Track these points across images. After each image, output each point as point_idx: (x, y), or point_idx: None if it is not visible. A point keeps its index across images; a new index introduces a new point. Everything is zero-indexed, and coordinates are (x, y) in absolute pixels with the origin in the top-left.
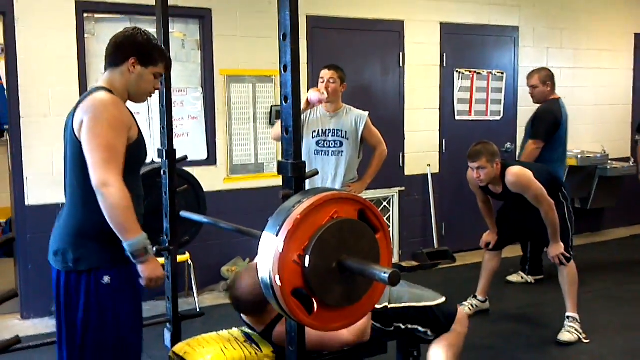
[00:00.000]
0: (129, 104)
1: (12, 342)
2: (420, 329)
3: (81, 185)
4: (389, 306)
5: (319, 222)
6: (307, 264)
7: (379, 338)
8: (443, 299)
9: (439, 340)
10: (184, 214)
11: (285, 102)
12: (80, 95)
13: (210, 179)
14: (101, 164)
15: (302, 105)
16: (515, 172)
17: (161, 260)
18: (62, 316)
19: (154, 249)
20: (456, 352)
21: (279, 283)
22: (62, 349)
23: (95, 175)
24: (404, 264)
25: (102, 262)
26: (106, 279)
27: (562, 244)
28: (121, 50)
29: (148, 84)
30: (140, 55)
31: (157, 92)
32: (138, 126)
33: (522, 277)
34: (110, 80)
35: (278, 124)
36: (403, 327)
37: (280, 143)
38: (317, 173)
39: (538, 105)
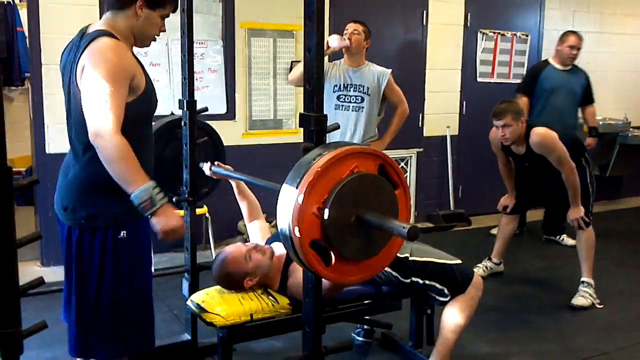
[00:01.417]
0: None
1: (36, 283)
2: (437, 286)
3: (87, 136)
4: (410, 258)
5: (339, 175)
6: (326, 216)
7: (393, 294)
8: (459, 261)
9: (455, 301)
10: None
11: (309, 53)
12: None
13: (229, 134)
14: (96, 115)
15: None
16: (540, 132)
17: (180, 212)
18: (74, 272)
19: (174, 199)
20: (470, 314)
21: (298, 235)
22: (73, 303)
23: (90, 127)
24: (419, 225)
25: (116, 218)
26: (122, 233)
27: (582, 207)
28: None
29: (155, 28)
30: None
31: (174, 41)
32: (146, 73)
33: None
34: (113, 23)
35: (298, 66)
36: (421, 282)
37: (298, 92)
38: (338, 127)
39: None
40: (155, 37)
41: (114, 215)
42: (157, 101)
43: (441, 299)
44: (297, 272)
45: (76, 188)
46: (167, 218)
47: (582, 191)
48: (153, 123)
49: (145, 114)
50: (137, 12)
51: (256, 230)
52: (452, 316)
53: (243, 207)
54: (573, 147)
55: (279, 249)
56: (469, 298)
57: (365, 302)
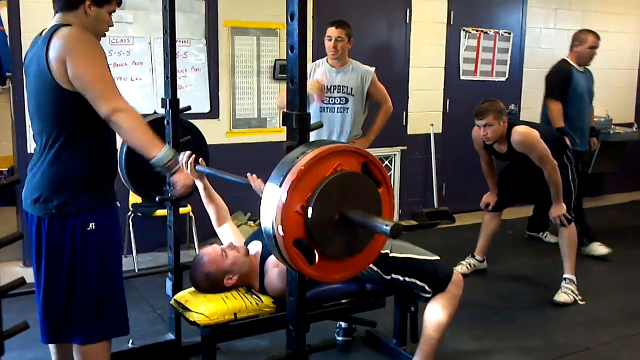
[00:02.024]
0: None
1: (17, 283)
2: (418, 282)
3: (59, 130)
4: (390, 254)
5: (323, 173)
6: (309, 214)
7: (377, 291)
8: (438, 257)
9: (436, 300)
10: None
11: (292, 52)
12: None
13: (213, 133)
14: (104, 94)
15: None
16: (521, 131)
17: (163, 211)
18: (44, 263)
19: (157, 198)
20: (452, 311)
21: (281, 233)
22: (44, 296)
23: (103, 107)
24: (403, 222)
25: (86, 207)
26: (91, 225)
27: (564, 205)
28: None
29: (104, 24)
30: None
31: (160, 40)
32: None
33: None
34: (65, 23)
35: (282, 91)
36: (401, 279)
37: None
38: (321, 125)
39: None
40: (105, 33)
41: (83, 202)
42: None
43: (424, 295)
44: (271, 271)
45: (46, 179)
46: (187, 176)
47: (564, 189)
48: None
49: None
50: (86, 11)
51: (228, 233)
52: (434, 314)
53: (211, 211)
54: (554, 145)
55: (253, 248)
56: (450, 296)
57: (349, 300)
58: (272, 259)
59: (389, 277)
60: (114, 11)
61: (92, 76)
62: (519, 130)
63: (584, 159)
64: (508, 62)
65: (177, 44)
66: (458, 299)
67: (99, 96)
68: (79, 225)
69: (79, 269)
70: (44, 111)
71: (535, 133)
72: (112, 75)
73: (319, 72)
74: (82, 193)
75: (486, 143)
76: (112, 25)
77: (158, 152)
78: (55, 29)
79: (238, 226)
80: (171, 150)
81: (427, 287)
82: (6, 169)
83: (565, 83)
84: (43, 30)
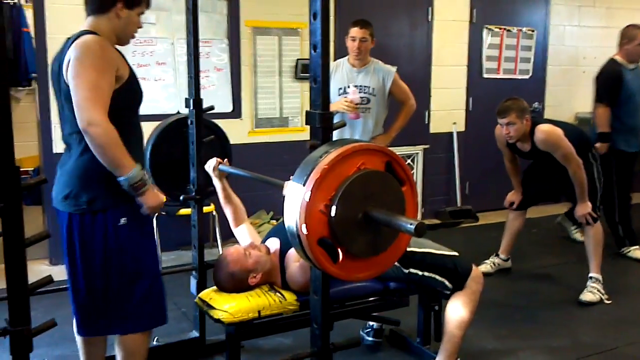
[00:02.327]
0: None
1: (45, 281)
2: (437, 277)
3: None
4: (409, 249)
5: (346, 172)
6: (333, 213)
7: (401, 290)
8: (457, 253)
9: (456, 297)
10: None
11: (315, 51)
12: None
13: (235, 132)
14: (84, 104)
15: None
16: (544, 130)
17: (187, 210)
18: (79, 258)
19: (181, 197)
20: (473, 308)
21: (305, 232)
22: (80, 290)
23: (80, 116)
24: (426, 222)
25: (115, 203)
26: (122, 220)
27: (589, 203)
28: None
29: (134, 26)
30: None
31: (184, 41)
32: (129, 66)
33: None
34: (95, 26)
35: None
36: (420, 273)
37: (304, 89)
38: (344, 124)
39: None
40: (135, 35)
41: (112, 198)
42: (142, 92)
43: (445, 291)
44: (292, 265)
45: (76, 175)
46: (155, 196)
47: (590, 187)
48: (159, 122)
49: (129, 102)
50: (117, 13)
51: (245, 234)
52: (456, 312)
53: (228, 211)
54: (579, 143)
55: (271, 245)
56: (470, 292)
57: (373, 298)
58: (291, 254)
59: (407, 271)
60: (143, 13)
61: (82, 83)
62: (542, 129)
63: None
64: (531, 60)
65: (200, 44)
66: (478, 295)
67: (80, 105)
68: (110, 221)
69: (114, 263)
70: (66, 113)
71: (559, 131)
72: (107, 90)
73: (338, 74)
74: (111, 189)
75: (509, 142)
76: (141, 27)
77: (126, 172)
78: (78, 36)
79: (260, 225)
80: (140, 172)
81: (447, 283)
82: (32, 168)
83: (616, 86)
84: (71, 36)
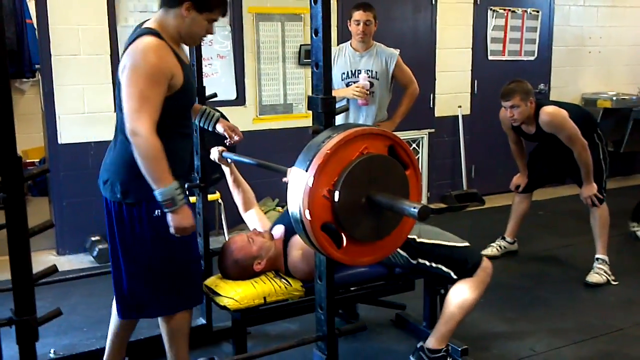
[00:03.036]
0: None
1: (50, 271)
2: (444, 269)
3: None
4: (417, 240)
5: (349, 157)
6: (336, 198)
7: (406, 275)
8: (468, 243)
9: (463, 281)
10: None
11: (316, 35)
12: (109, 34)
13: (239, 119)
14: (132, 113)
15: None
16: (549, 112)
17: (192, 198)
18: (118, 243)
19: (186, 185)
20: (477, 295)
21: (308, 217)
22: (120, 273)
23: (127, 124)
24: (432, 206)
25: (148, 196)
26: (157, 212)
27: (595, 184)
28: None
29: (201, 29)
30: (197, 0)
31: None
32: (185, 72)
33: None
34: (162, 21)
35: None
36: (428, 264)
37: (307, 76)
38: (347, 109)
39: None
40: (203, 38)
41: (144, 191)
42: (194, 98)
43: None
44: (294, 252)
45: (114, 163)
46: (183, 218)
47: (595, 168)
48: None
49: (178, 110)
50: (183, 13)
51: (254, 218)
52: (460, 294)
53: (237, 196)
54: (584, 124)
55: (277, 231)
56: (478, 281)
57: (378, 283)
58: (294, 241)
59: (415, 262)
60: (216, 20)
61: (132, 94)
62: (547, 111)
63: (614, 139)
64: (537, 41)
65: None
66: (485, 286)
67: (127, 114)
68: (145, 213)
69: (151, 251)
70: (118, 103)
71: (564, 113)
72: (157, 101)
73: (340, 58)
74: (143, 182)
75: (513, 125)
76: (212, 34)
77: (160, 187)
78: (139, 35)
79: (266, 212)
80: (173, 191)
81: (452, 274)
82: (38, 160)
83: None
84: (140, 24)
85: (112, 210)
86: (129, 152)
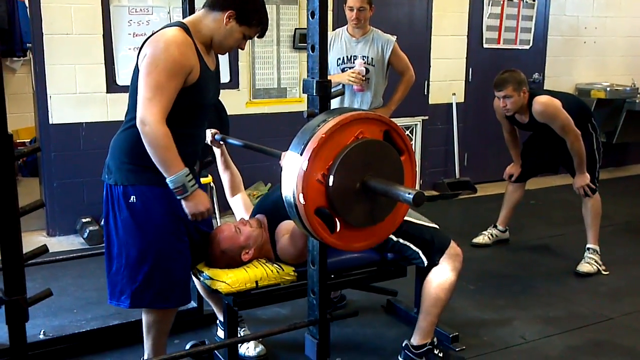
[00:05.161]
0: None
1: (40, 251)
2: (412, 247)
3: (134, 109)
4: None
5: (344, 141)
6: (331, 183)
7: (397, 261)
8: (437, 226)
9: (435, 272)
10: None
11: (312, 17)
12: (102, 13)
13: (233, 103)
14: (145, 102)
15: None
16: (542, 101)
17: (204, 179)
18: (104, 227)
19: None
20: (452, 285)
21: (302, 202)
22: (106, 259)
23: (138, 112)
24: (424, 193)
25: (129, 180)
26: (132, 198)
27: (588, 175)
28: None
29: (234, 41)
30: (241, 12)
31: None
32: (202, 73)
33: None
34: (199, 21)
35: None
36: (394, 239)
37: (302, 59)
38: (343, 93)
39: None
40: (232, 49)
41: (127, 175)
42: (207, 94)
43: (418, 264)
44: (282, 239)
45: (112, 147)
46: (197, 203)
47: (588, 158)
48: None
49: (190, 105)
50: (224, 20)
51: (240, 204)
52: (433, 287)
53: (225, 178)
54: (578, 114)
55: (263, 218)
56: (450, 269)
57: (370, 269)
58: (281, 227)
59: None
60: (251, 37)
61: (149, 83)
62: (540, 100)
63: (608, 129)
64: (532, 30)
65: (196, 12)
66: (458, 273)
67: (141, 102)
68: (122, 196)
69: (125, 237)
70: (131, 89)
71: (557, 102)
72: (172, 93)
73: (336, 44)
74: (127, 168)
75: (506, 115)
76: (243, 49)
77: (170, 175)
78: (168, 25)
79: (258, 197)
80: (183, 178)
81: (421, 254)
82: (29, 140)
83: None
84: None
85: (103, 191)
86: (121, 135)
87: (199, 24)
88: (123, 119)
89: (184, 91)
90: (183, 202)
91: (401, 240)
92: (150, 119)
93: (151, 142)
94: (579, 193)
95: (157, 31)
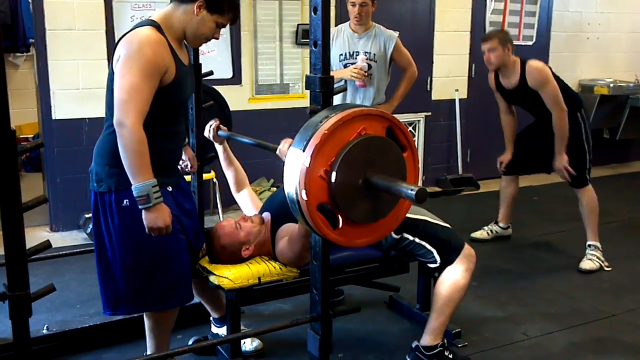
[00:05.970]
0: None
1: (43, 247)
2: (427, 246)
3: (112, 112)
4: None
5: (347, 137)
6: (333, 179)
7: (400, 257)
8: (449, 226)
9: (449, 272)
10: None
11: (315, 13)
12: (105, 8)
13: (235, 99)
14: (121, 105)
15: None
16: (537, 65)
17: (187, 177)
18: (94, 235)
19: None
20: (465, 286)
21: (304, 198)
22: (97, 266)
23: (115, 115)
24: (427, 189)
25: (118, 185)
26: (125, 202)
27: (566, 156)
28: None
29: (208, 31)
30: (211, 0)
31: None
32: (178, 71)
33: None
34: (169, 16)
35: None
36: (411, 238)
37: (305, 55)
38: (345, 89)
39: None
40: (207, 40)
41: (115, 181)
42: (185, 91)
43: (430, 264)
44: (280, 241)
45: (95, 153)
46: (157, 218)
47: (577, 147)
48: None
49: (163, 107)
50: (195, 10)
51: (246, 200)
52: (447, 287)
53: (229, 174)
54: (569, 100)
55: (267, 217)
56: (464, 269)
57: (373, 265)
58: (281, 230)
59: (398, 236)
60: (224, 25)
61: (124, 85)
62: (534, 64)
63: (611, 126)
64: (535, 26)
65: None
66: (471, 274)
67: (117, 105)
68: (114, 202)
69: (121, 244)
70: (108, 93)
71: (549, 70)
72: (148, 95)
73: (338, 39)
74: (116, 172)
75: (489, 69)
76: (218, 38)
77: (137, 182)
78: (140, 25)
79: (260, 193)
80: (149, 188)
81: (435, 254)
82: (31, 135)
83: None
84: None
85: (90, 200)
86: (104, 141)
87: (170, 19)
88: None
89: (160, 91)
90: (143, 213)
91: (417, 240)
92: (128, 122)
93: (126, 145)
94: (561, 177)
95: (129, 31)
